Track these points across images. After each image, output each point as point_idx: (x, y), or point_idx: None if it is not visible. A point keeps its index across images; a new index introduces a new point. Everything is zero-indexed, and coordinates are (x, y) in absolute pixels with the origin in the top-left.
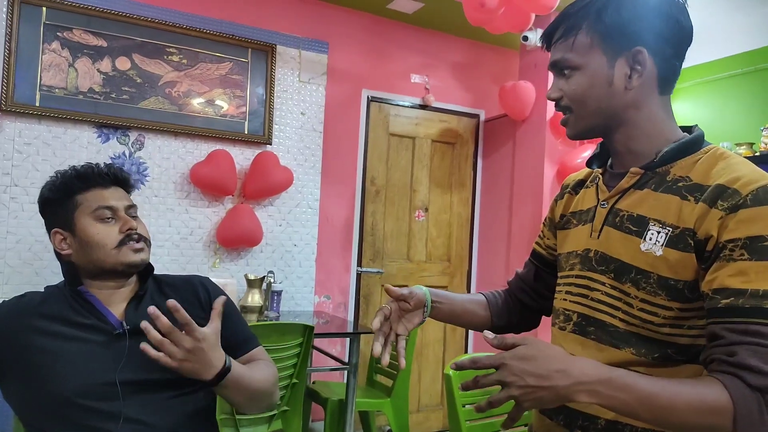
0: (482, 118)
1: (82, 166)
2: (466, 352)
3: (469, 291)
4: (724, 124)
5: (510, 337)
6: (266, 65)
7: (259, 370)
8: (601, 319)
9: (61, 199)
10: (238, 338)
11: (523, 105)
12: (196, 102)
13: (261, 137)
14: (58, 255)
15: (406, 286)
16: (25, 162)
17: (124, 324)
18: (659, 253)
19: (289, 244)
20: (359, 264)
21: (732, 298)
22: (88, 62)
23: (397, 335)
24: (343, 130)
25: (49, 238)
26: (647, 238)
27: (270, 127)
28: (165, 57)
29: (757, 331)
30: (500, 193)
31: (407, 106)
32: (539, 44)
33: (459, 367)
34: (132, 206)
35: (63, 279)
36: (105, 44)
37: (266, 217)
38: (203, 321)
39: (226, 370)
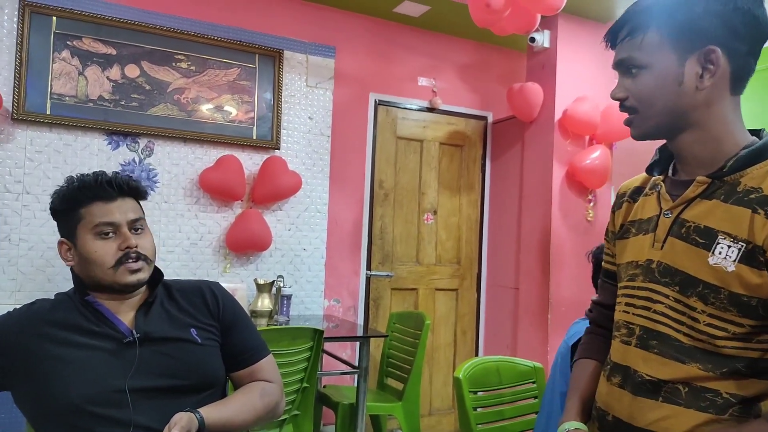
0: (490, 120)
1: (87, 176)
2: (476, 355)
3: (478, 294)
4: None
5: None
6: (273, 70)
7: (250, 399)
8: (665, 333)
9: (66, 210)
10: (246, 346)
11: (531, 106)
12: (205, 108)
13: (269, 142)
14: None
15: (416, 289)
16: (37, 170)
17: (134, 332)
18: (731, 268)
19: (298, 248)
20: (368, 267)
21: None
22: (97, 70)
23: None
24: (351, 134)
25: (57, 245)
26: (716, 251)
27: (278, 132)
28: (173, 64)
29: None
30: (509, 195)
31: (415, 109)
32: (604, 42)
33: None
34: (138, 219)
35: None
36: (114, 52)
37: (275, 221)
38: (211, 327)
39: None
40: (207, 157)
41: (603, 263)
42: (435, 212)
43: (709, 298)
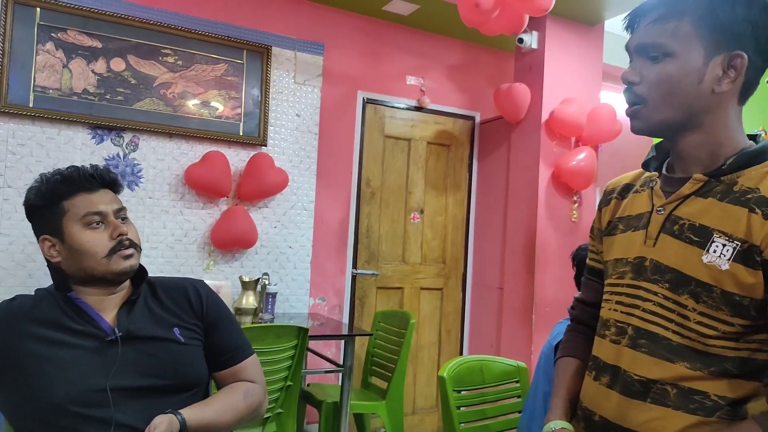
0: (477, 120)
1: (67, 169)
2: (461, 354)
3: (464, 293)
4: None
5: None
6: (261, 67)
7: (233, 400)
8: (653, 332)
9: (47, 206)
10: (229, 346)
11: (518, 107)
12: (191, 103)
13: (256, 139)
14: (48, 261)
15: (401, 288)
16: (19, 163)
17: (116, 330)
18: (725, 267)
19: (284, 245)
20: (354, 266)
21: None
22: (82, 63)
23: None
24: (339, 132)
25: (38, 243)
26: (711, 250)
27: (265, 129)
28: (160, 58)
29: None
30: (495, 195)
31: (403, 108)
32: (623, 24)
33: None
34: (121, 209)
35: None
36: (99, 45)
37: (261, 218)
38: (194, 326)
39: None
40: (193, 152)
41: (588, 260)
42: (421, 211)
43: (701, 296)
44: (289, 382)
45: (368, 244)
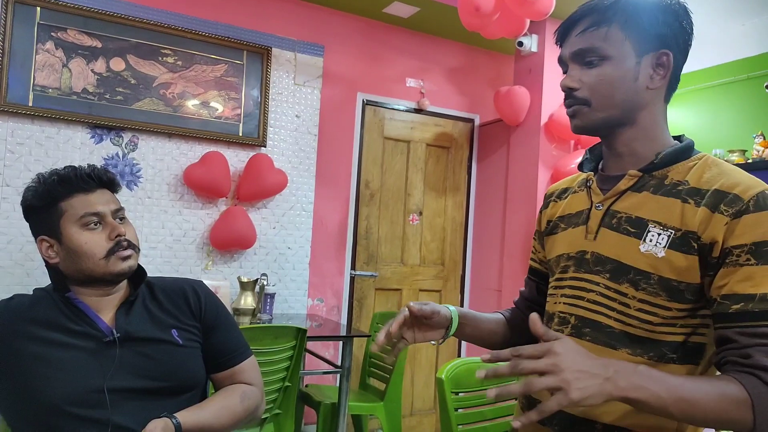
0: (477, 122)
1: (64, 169)
2: (459, 356)
3: (462, 295)
4: (718, 132)
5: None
6: (261, 67)
7: (229, 403)
8: (597, 320)
9: (45, 206)
10: (227, 348)
11: (518, 110)
12: (191, 104)
13: (255, 139)
14: (46, 261)
15: (399, 290)
16: (17, 162)
17: (115, 331)
18: (661, 254)
19: (282, 246)
20: (353, 267)
21: (742, 303)
22: (82, 63)
23: (402, 338)
24: (338, 134)
25: (36, 244)
26: (647, 239)
27: (264, 130)
28: (160, 58)
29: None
30: (494, 197)
31: (402, 110)
32: (555, 37)
33: (496, 358)
34: (119, 209)
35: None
36: (99, 45)
37: (260, 219)
38: (193, 328)
39: None
40: (192, 152)
41: (530, 261)
42: (420, 213)
43: (640, 283)
44: (287, 383)
45: (367, 245)
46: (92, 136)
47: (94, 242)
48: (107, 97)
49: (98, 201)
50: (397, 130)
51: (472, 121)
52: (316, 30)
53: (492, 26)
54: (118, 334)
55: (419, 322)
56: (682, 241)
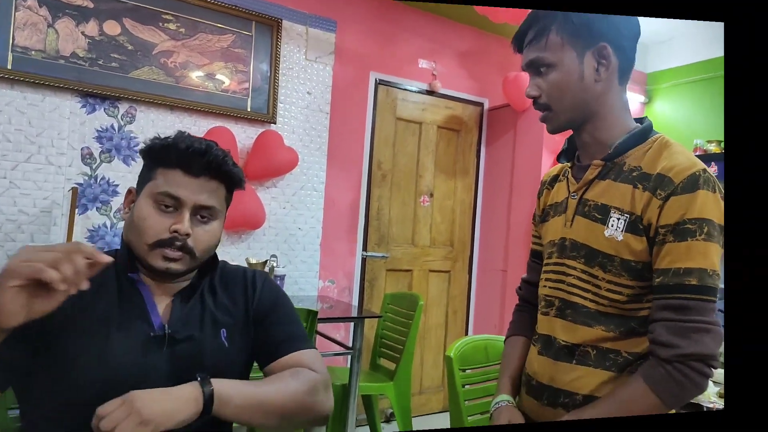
0: (486, 106)
1: (185, 138)
2: (466, 334)
3: (470, 277)
4: (698, 123)
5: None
6: (271, 40)
7: (291, 383)
8: (575, 302)
9: (148, 164)
10: (279, 337)
11: (525, 96)
12: (195, 75)
13: (265, 115)
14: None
15: (410, 271)
16: None
17: (166, 327)
18: (620, 238)
19: (293, 227)
20: (364, 248)
21: (661, 278)
22: (70, 23)
23: None
24: (350, 113)
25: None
26: (609, 224)
27: (274, 106)
28: (160, 24)
29: (677, 305)
30: (501, 181)
31: (414, 91)
32: (512, 47)
33: None
34: (208, 207)
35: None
36: (91, 5)
37: (269, 199)
38: (243, 323)
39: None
40: (196, 127)
41: (531, 245)
42: (431, 195)
43: (607, 266)
44: None
45: (378, 226)
46: (83, 105)
47: (152, 223)
48: (100, 63)
49: (189, 187)
50: (409, 111)
51: (481, 104)
52: (327, 4)
53: (500, 11)
54: (169, 331)
55: None
56: (634, 224)
